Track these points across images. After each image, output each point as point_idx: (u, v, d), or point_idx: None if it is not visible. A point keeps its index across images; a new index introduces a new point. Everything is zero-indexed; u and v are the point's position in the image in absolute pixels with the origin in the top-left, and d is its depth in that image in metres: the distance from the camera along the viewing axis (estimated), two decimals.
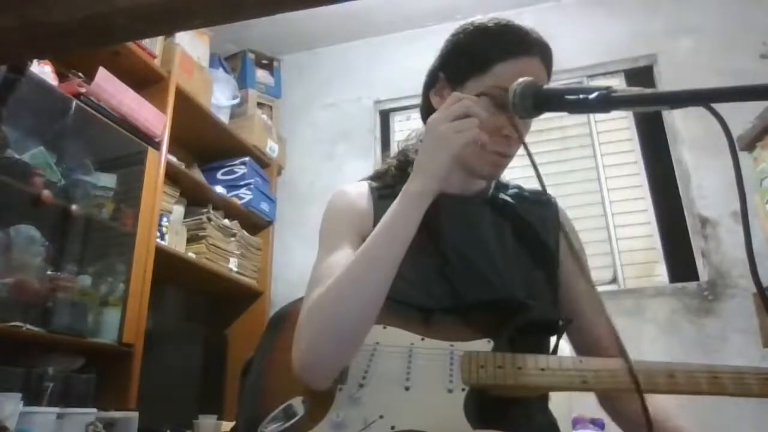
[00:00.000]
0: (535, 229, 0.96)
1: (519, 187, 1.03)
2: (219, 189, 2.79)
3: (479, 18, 0.94)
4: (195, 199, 2.62)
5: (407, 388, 0.74)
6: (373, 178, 1.04)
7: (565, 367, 0.73)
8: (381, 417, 0.71)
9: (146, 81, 2.34)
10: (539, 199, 1.01)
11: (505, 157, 0.91)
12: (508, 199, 0.99)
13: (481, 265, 0.88)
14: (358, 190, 0.98)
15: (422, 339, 0.80)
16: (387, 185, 0.99)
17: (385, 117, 3.21)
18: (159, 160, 2.26)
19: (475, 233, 0.92)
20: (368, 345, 0.79)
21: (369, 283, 0.74)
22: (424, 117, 1.01)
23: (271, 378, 0.79)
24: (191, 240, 2.52)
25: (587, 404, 1.07)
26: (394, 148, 1.10)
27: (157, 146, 2.26)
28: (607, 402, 0.93)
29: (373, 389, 0.74)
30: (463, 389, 0.72)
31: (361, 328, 0.75)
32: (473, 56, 0.90)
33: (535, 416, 0.83)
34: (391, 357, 0.78)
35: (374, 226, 0.84)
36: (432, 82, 0.98)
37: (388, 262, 0.74)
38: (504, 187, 1.02)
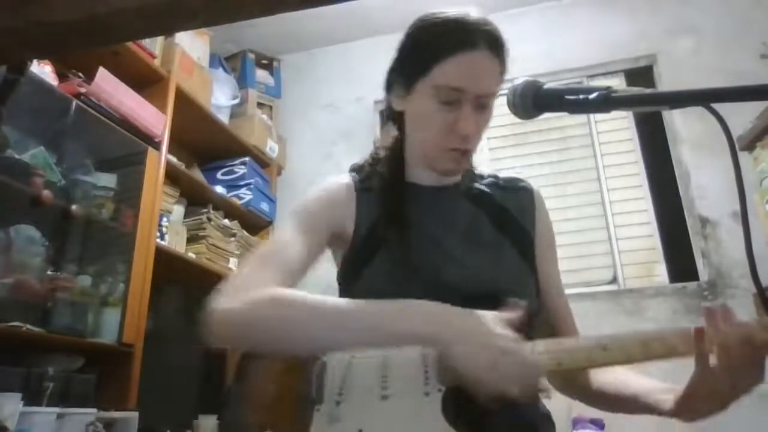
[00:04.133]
0: (512, 215, 0.97)
1: (495, 176, 1.04)
2: (219, 189, 2.79)
3: (428, 15, 0.92)
4: (195, 199, 2.62)
5: (384, 398, 0.73)
6: (353, 170, 1.05)
7: (538, 354, 0.72)
8: (360, 431, 0.71)
9: (146, 81, 2.34)
10: (515, 185, 1.03)
11: (464, 153, 0.91)
12: (484, 188, 1.00)
13: (456, 262, 0.88)
14: (340, 185, 1.00)
15: None
16: (366, 178, 1.01)
17: None
18: (159, 160, 2.26)
19: (451, 225, 0.93)
20: (343, 359, 0.78)
21: (312, 338, 0.76)
22: (388, 118, 1.03)
23: (252, 408, 0.79)
24: (191, 240, 2.52)
25: None
26: None
27: (157, 146, 2.26)
28: (569, 383, 0.94)
29: (351, 404, 0.73)
30: (440, 390, 0.72)
31: (273, 351, 0.80)
32: (416, 57, 0.90)
33: (517, 410, 0.81)
34: (366, 368, 0.76)
35: (356, 216, 0.93)
36: (389, 84, 0.97)
37: (340, 338, 0.75)
38: (479, 177, 1.03)
